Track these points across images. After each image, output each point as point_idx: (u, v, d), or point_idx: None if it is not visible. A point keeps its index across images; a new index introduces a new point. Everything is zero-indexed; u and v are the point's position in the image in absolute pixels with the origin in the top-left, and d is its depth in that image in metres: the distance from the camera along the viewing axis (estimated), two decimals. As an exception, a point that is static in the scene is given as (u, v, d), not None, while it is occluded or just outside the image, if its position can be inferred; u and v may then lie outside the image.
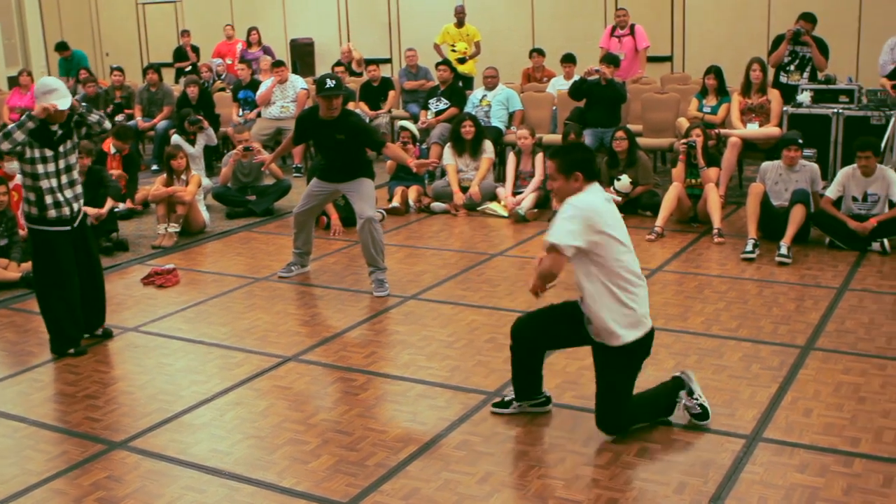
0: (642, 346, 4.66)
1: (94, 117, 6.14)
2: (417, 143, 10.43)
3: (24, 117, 5.92)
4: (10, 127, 5.94)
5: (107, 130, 6.47)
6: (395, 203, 9.87)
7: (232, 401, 5.41)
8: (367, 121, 12.79)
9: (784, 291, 6.92)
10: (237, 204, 10.08)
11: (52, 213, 6.03)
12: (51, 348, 6.23)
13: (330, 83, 7.09)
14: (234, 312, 6.88)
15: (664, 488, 4.22)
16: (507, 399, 5.05)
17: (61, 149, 6.04)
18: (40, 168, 5.97)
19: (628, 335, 4.55)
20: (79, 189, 6.20)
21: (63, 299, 6.15)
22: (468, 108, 11.35)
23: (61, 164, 6.04)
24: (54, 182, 6.00)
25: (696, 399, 4.79)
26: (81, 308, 6.27)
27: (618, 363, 4.62)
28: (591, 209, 4.52)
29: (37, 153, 5.95)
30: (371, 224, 7.13)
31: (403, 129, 10.35)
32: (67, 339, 6.21)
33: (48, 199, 6.00)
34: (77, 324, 6.25)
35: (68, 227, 6.11)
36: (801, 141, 8.19)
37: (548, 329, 4.83)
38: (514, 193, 9.71)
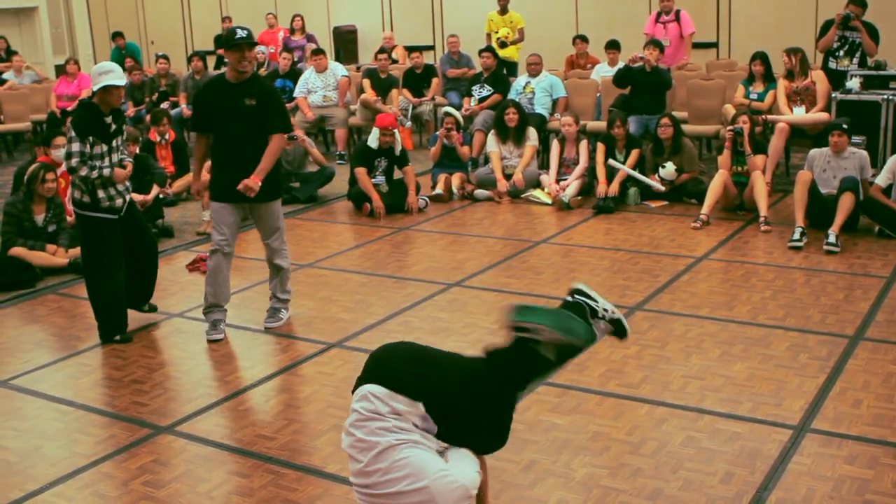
0: None
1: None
2: (461, 130, 10.41)
3: (70, 135, 6.05)
4: (71, 149, 6.01)
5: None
6: (439, 190, 9.86)
7: (276, 387, 5.43)
8: (411, 108, 12.81)
9: (832, 280, 6.82)
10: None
11: (106, 203, 6.14)
12: (99, 334, 6.31)
13: (241, 32, 5.98)
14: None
15: (710, 478, 4.18)
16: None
17: (114, 143, 6.17)
18: (101, 162, 6.08)
19: None
20: (128, 182, 6.33)
21: (110, 286, 6.23)
22: (512, 95, 11.31)
23: (114, 157, 6.17)
24: (107, 173, 6.09)
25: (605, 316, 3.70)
26: (132, 287, 6.44)
27: None
28: None
29: (97, 150, 6.07)
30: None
31: (448, 114, 10.33)
32: (114, 325, 6.29)
33: (100, 192, 6.11)
34: (123, 311, 6.33)
35: (117, 216, 6.21)
36: (845, 126, 8.05)
37: None
38: (558, 181, 9.66)
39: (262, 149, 6.04)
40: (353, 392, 3.49)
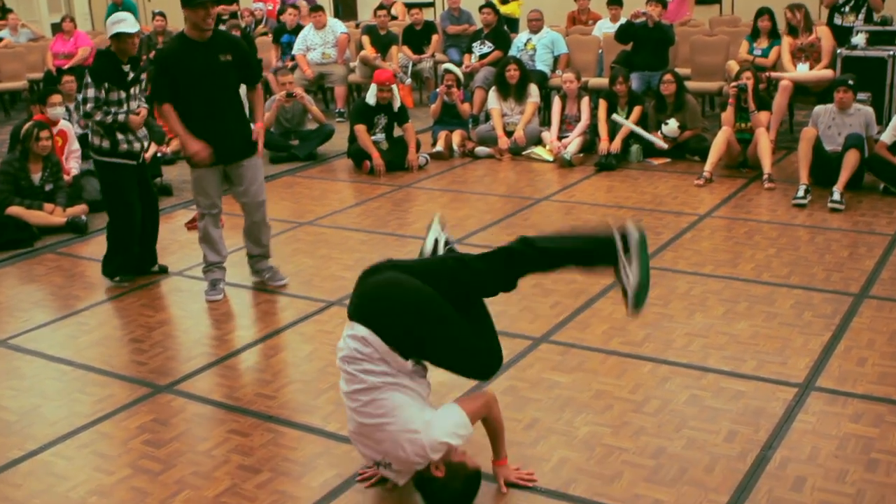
0: None
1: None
2: (462, 87, 10.30)
3: (86, 81, 6.19)
4: (87, 94, 6.17)
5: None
6: (439, 147, 9.78)
7: (276, 345, 5.40)
8: (411, 65, 12.69)
9: (837, 238, 6.76)
10: (280, 149, 10.04)
11: (124, 146, 6.26)
12: (102, 268, 6.50)
13: None
14: (279, 257, 6.84)
15: (714, 436, 4.15)
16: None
17: (132, 91, 6.29)
18: (118, 108, 6.19)
19: None
20: (145, 130, 6.49)
21: (129, 225, 6.40)
22: (513, 52, 11.18)
23: (133, 104, 6.29)
24: (122, 118, 6.20)
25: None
26: (140, 246, 6.55)
27: None
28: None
29: (114, 96, 6.19)
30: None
31: (448, 71, 10.23)
32: (120, 264, 6.46)
33: (119, 135, 6.23)
34: (132, 254, 6.48)
35: (134, 162, 6.35)
36: (851, 83, 7.94)
37: None
38: (560, 138, 9.57)
39: (238, 104, 6.07)
40: (349, 317, 3.70)
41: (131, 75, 6.25)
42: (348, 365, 3.63)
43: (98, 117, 6.13)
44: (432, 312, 3.63)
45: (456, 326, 3.65)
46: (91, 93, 6.13)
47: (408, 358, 3.60)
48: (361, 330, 3.59)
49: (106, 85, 6.14)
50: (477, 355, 3.74)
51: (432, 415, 3.61)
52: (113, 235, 6.47)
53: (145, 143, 6.47)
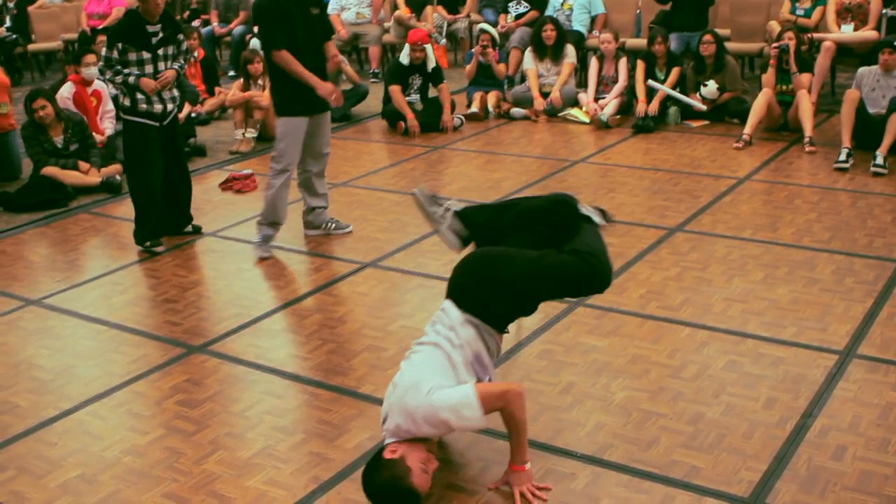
0: None
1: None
2: (497, 48, 10.18)
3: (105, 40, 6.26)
4: (102, 54, 6.24)
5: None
6: (475, 108, 9.68)
7: (310, 307, 5.37)
8: (446, 25, 12.56)
9: (880, 203, 6.63)
10: (314, 109, 9.96)
11: (143, 106, 6.19)
12: (133, 236, 6.41)
13: None
14: (312, 218, 6.83)
15: (753, 403, 4.08)
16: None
17: (160, 52, 6.19)
18: (136, 70, 6.14)
19: None
20: (175, 92, 6.38)
21: (145, 190, 6.30)
22: (549, 12, 11.02)
23: (160, 66, 6.22)
24: (132, 80, 6.11)
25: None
26: (169, 208, 6.48)
27: None
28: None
29: (133, 56, 6.12)
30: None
31: (483, 31, 10.11)
32: (149, 230, 6.34)
33: (139, 95, 6.17)
34: (158, 217, 6.38)
35: (157, 123, 6.26)
36: None
37: None
38: (597, 99, 9.45)
39: (323, 56, 6.10)
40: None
41: (160, 35, 6.15)
42: (429, 327, 3.73)
43: (107, 76, 6.17)
44: (504, 255, 3.67)
45: (535, 254, 3.63)
46: (104, 52, 6.15)
47: (496, 313, 3.63)
48: (444, 303, 3.70)
49: (119, 45, 6.08)
50: (572, 265, 3.60)
51: (448, 385, 3.45)
52: (133, 198, 6.40)
53: (170, 106, 6.32)
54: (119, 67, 6.10)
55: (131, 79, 6.09)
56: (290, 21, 5.85)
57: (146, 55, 6.14)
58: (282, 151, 6.02)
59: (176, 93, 6.40)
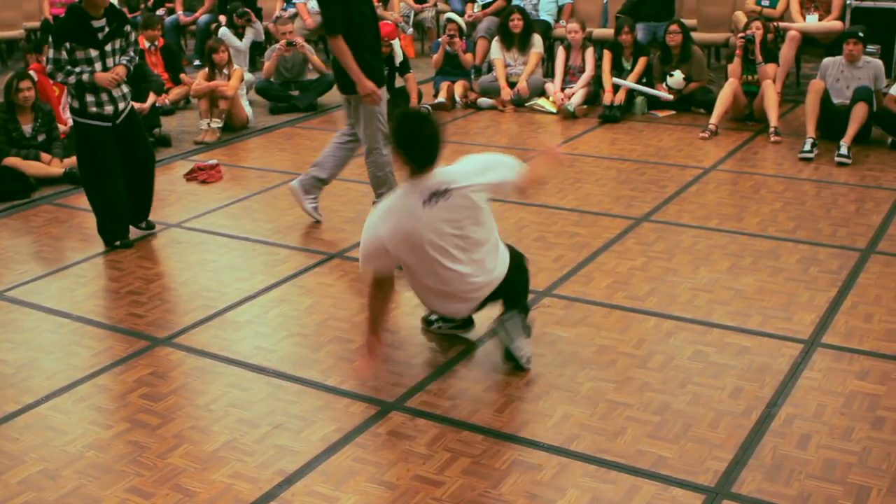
0: None
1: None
2: (464, 37, 10.15)
3: (49, 41, 5.93)
4: (48, 55, 5.92)
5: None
6: (441, 98, 9.65)
7: (276, 298, 5.34)
8: (413, 14, 12.51)
9: (843, 193, 6.68)
10: (280, 99, 9.92)
11: (93, 108, 5.95)
12: (101, 237, 6.25)
13: None
14: (278, 209, 6.78)
15: (719, 392, 4.10)
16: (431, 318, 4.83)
17: (108, 48, 5.91)
18: (86, 67, 5.86)
19: None
20: (125, 89, 6.09)
21: (105, 193, 6.11)
22: (516, 1, 11.00)
23: (109, 62, 5.94)
24: (86, 78, 5.86)
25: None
26: (128, 201, 6.25)
27: None
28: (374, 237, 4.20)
29: (80, 55, 5.84)
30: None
31: (450, 20, 10.08)
32: (113, 231, 6.19)
33: (88, 97, 5.92)
34: (122, 217, 6.21)
35: (109, 124, 6.02)
36: (861, 35, 7.81)
37: None
38: (563, 89, 9.45)
39: (380, 38, 6.27)
40: None
41: (106, 30, 5.87)
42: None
43: (59, 78, 5.87)
44: None
45: None
46: (51, 53, 5.80)
47: None
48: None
49: (67, 45, 5.79)
50: None
51: None
52: (91, 202, 6.20)
53: (122, 105, 6.04)
54: (69, 68, 5.82)
55: (85, 76, 5.82)
56: (356, 4, 5.91)
57: (93, 52, 5.85)
58: (371, 133, 6.13)
59: (126, 90, 6.11)
